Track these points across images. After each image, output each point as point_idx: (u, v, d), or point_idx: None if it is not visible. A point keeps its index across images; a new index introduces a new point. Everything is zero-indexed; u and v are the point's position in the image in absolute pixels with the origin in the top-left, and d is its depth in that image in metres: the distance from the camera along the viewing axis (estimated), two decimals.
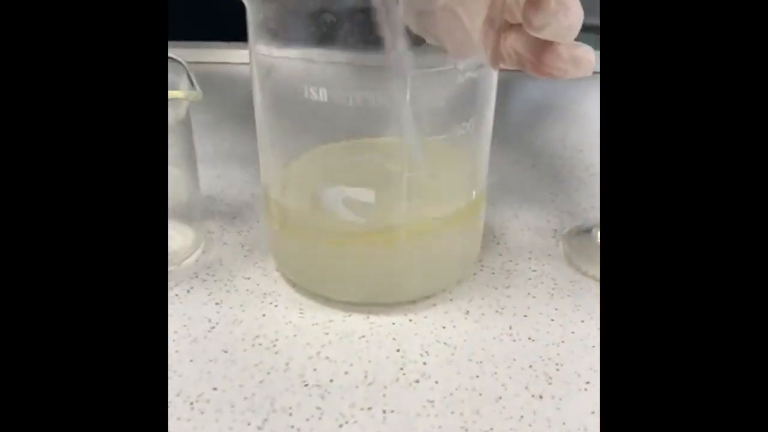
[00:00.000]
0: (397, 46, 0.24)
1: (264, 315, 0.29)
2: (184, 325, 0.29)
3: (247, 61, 0.28)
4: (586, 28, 0.25)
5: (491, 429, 0.24)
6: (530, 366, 0.27)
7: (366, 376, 0.26)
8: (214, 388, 0.26)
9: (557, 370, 0.27)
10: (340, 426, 0.24)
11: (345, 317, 0.29)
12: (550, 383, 0.26)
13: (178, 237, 0.33)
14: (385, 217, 0.27)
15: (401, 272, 0.29)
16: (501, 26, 0.27)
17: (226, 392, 0.25)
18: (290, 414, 0.24)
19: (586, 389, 0.26)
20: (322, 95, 0.25)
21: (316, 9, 0.24)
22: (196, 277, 0.32)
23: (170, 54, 0.28)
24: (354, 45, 0.24)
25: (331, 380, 0.26)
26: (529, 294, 0.31)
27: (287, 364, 0.27)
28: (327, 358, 0.27)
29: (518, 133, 0.50)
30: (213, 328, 0.29)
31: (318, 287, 0.30)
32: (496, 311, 0.30)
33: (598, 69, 0.21)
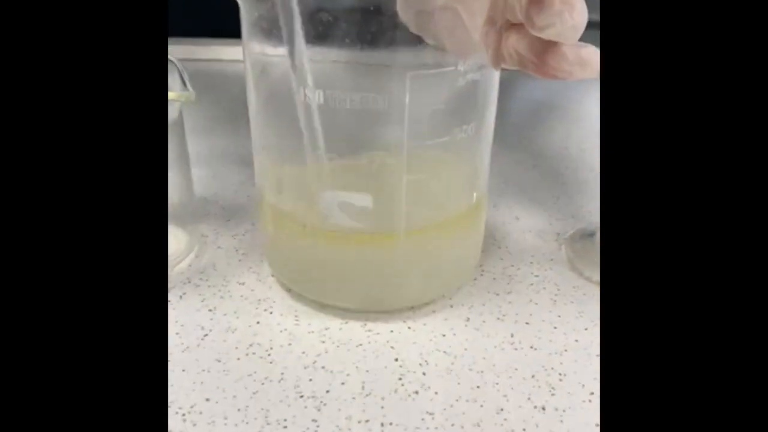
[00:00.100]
0: (296, 38, 0.23)
1: (258, 322, 0.29)
2: (177, 333, 0.28)
3: (242, 57, 0.27)
4: (587, 25, 0.24)
5: None
6: (532, 376, 0.26)
7: (363, 387, 0.25)
8: (207, 399, 0.25)
9: (560, 380, 0.26)
10: None
11: (342, 324, 0.29)
12: (553, 394, 0.25)
13: (171, 241, 0.32)
14: (383, 222, 0.27)
15: (399, 278, 0.28)
16: (502, 25, 0.26)
17: (219, 404, 0.25)
18: (285, 427, 0.24)
19: (590, 400, 0.25)
20: (318, 97, 0.24)
21: (312, 8, 0.23)
22: (189, 282, 0.31)
23: None
24: (351, 45, 0.23)
25: (328, 391, 0.25)
26: (531, 300, 0.30)
27: (282, 374, 0.26)
28: (323, 367, 0.26)
29: (519, 133, 0.49)
30: (206, 335, 0.28)
31: (314, 293, 0.29)
32: (498, 318, 0.29)
33: None
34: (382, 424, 0.24)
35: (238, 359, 0.27)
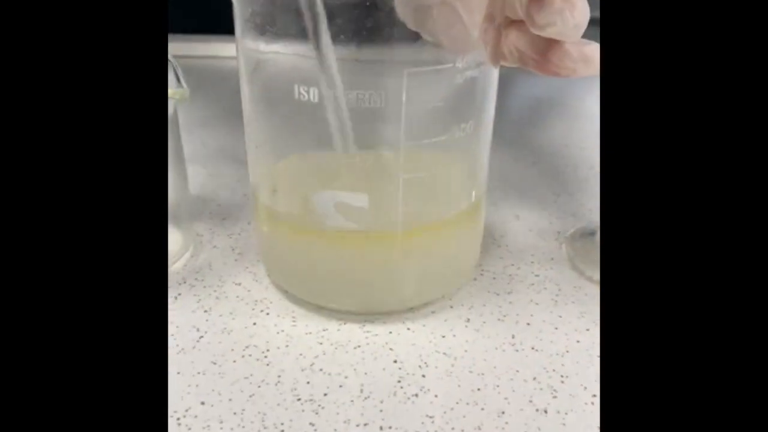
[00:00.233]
0: (322, 36, 0.22)
1: (255, 324, 0.28)
2: (172, 335, 0.28)
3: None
4: (588, 23, 0.24)
5: None
6: (534, 378, 0.26)
7: (362, 390, 0.25)
8: (202, 403, 0.24)
9: (562, 382, 0.25)
10: None
11: (339, 326, 0.28)
12: (555, 396, 0.25)
13: None
14: (380, 222, 0.26)
15: (398, 279, 0.28)
16: (501, 22, 0.25)
17: (215, 407, 0.24)
18: (282, 431, 0.23)
19: (592, 403, 0.25)
20: (313, 95, 0.23)
21: (303, 2, 0.22)
22: (185, 282, 0.31)
23: None
24: (347, 42, 0.22)
25: (325, 394, 0.25)
26: (531, 300, 0.30)
27: (279, 376, 0.26)
28: (321, 370, 0.26)
29: (519, 130, 0.48)
30: (201, 337, 0.27)
31: (310, 296, 0.29)
32: (498, 319, 0.29)
33: None
34: (381, 428, 0.23)
35: (234, 361, 0.26)
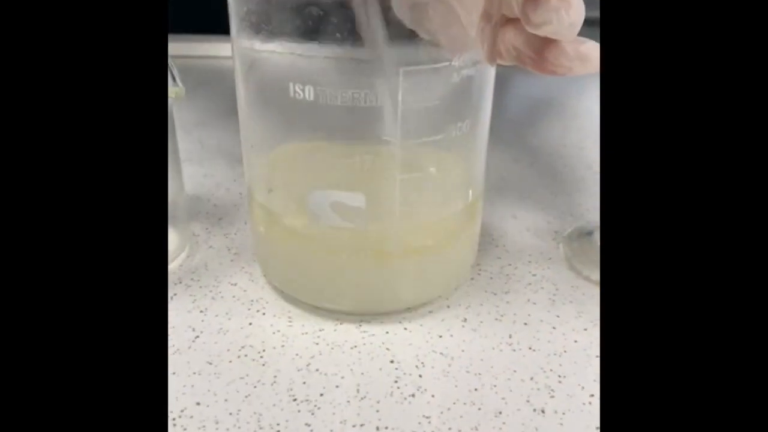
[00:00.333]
0: (379, 41, 0.22)
1: (251, 324, 0.28)
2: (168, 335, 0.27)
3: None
4: (586, 22, 0.24)
5: None
6: (531, 378, 0.26)
7: (358, 390, 0.25)
8: (198, 403, 0.24)
9: (560, 382, 0.25)
10: None
11: (336, 326, 0.28)
12: (552, 396, 0.25)
13: None
14: (377, 222, 0.26)
15: (394, 279, 0.28)
16: (498, 21, 0.25)
17: (210, 407, 0.24)
18: (278, 431, 0.23)
19: (590, 403, 0.24)
20: (309, 93, 0.23)
21: (303, 1, 0.22)
22: (180, 282, 0.31)
23: None
24: (343, 40, 0.22)
25: (322, 394, 0.25)
26: (529, 300, 0.30)
27: (275, 376, 0.25)
28: (317, 370, 0.26)
29: (516, 130, 0.48)
30: (197, 337, 0.27)
31: (307, 296, 0.29)
32: (495, 318, 0.29)
33: None
34: (377, 428, 0.23)
35: (230, 362, 0.26)
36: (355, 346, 0.27)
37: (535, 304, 0.30)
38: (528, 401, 0.25)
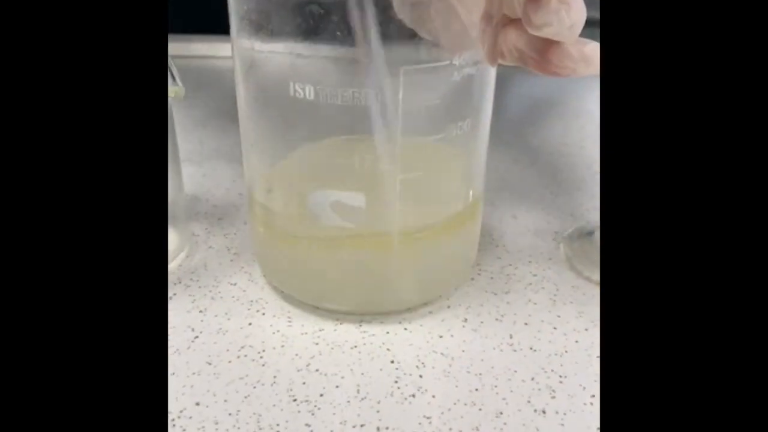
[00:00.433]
0: (371, 41, 0.22)
1: (250, 324, 0.28)
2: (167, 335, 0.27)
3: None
4: (587, 23, 0.24)
5: None
6: (532, 378, 0.25)
7: (358, 391, 0.25)
8: (197, 404, 0.24)
9: (561, 382, 0.25)
10: None
11: (336, 326, 0.28)
12: (553, 397, 0.25)
13: None
14: (377, 221, 0.26)
15: (395, 279, 0.28)
16: (499, 21, 0.25)
17: (210, 408, 0.24)
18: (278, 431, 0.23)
19: (591, 403, 0.24)
20: (309, 93, 0.23)
21: (303, 0, 0.22)
22: (180, 282, 0.30)
23: None
24: (343, 39, 0.22)
25: (321, 395, 0.25)
26: (529, 300, 0.30)
27: (275, 377, 0.25)
28: (317, 370, 0.26)
29: (517, 129, 0.48)
30: (196, 338, 0.27)
31: (306, 296, 0.29)
32: (496, 319, 0.29)
33: None
34: (377, 429, 0.23)
35: (230, 362, 0.26)
36: (355, 347, 0.27)
37: (535, 304, 0.30)
38: (529, 402, 0.24)
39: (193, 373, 0.25)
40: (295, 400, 0.24)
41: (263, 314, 0.29)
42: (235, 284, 0.30)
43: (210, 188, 0.39)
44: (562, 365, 0.26)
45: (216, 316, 0.28)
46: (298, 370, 0.26)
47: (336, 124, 0.25)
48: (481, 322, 0.28)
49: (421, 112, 0.24)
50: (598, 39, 0.23)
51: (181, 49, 0.57)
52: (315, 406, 0.24)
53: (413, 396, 0.25)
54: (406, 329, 0.28)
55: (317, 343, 0.27)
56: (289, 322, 0.28)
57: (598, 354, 0.27)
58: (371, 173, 0.25)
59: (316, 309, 0.29)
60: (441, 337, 0.27)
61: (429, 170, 0.26)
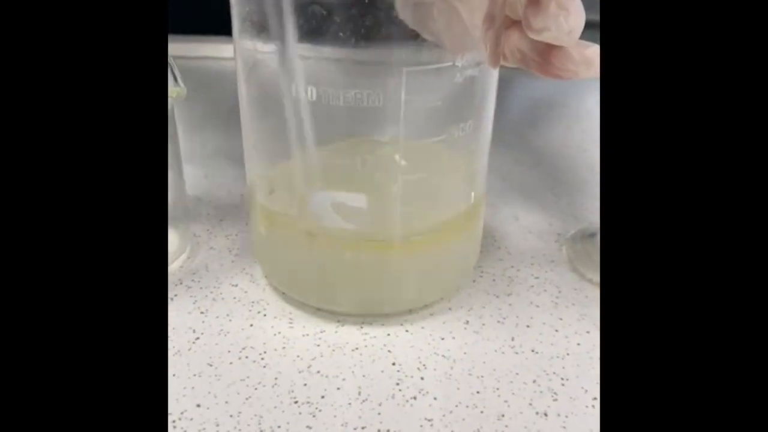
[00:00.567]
0: (287, 37, 0.22)
1: (252, 325, 0.28)
2: (168, 336, 0.27)
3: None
4: (587, 25, 0.23)
5: None
6: (534, 381, 0.25)
7: (360, 393, 0.25)
8: (198, 405, 0.24)
9: (563, 385, 0.25)
10: None
11: (337, 327, 0.28)
12: (555, 399, 0.25)
13: None
14: (378, 223, 0.26)
15: (396, 281, 0.28)
16: (502, 23, 0.25)
17: (211, 409, 0.24)
18: None
19: (593, 406, 0.24)
20: (311, 94, 0.23)
21: (305, 1, 0.22)
22: (181, 283, 0.30)
23: None
24: (345, 40, 0.22)
25: (323, 396, 0.24)
26: (531, 303, 0.30)
27: (276, 378, 0.25)
28: (318, 372, 0.26)
29: (519, 131, 0.48)
30: (198, 339, 0.27)
31: (308, 297, 0.29)
32: (498, 321, 0.29)
33: None
34: (379, 431, 0.23)
35: (231, 363, 0.26)
36: (357, 348, 0.27)
37: (537, 306, 0.30)
38: (530, 404, 0.24)
39: (194, 375, 0.25)
40: (296, 401, 0.24)
41: (264, 315, 0.29)
42: (236, 285, 0.30)
43: (211, 189, 0.39)
44: (563, 368, 0.26)
45: (217, 317, 0.28)
46: (300, 372, 0.26)
47: (338, 125, 0.25)
48: (483, 324, 0.28)
49: (423, 114, 0.24)
50: (599, 41, 0.24)
51: (183, 50, 0.57)
52: (316, 407, 0.24)
53: (414, 398, 0.24)
54: (407, 331, 0.28)
55: (318, 345, 0.27)
56: (291, 323, 0.28)
57: None
58: (373, 174, 0.25)
59: (318, 310, 0.29)
60: (442, 339, 0.27)
61: (431, 172, 0.26)
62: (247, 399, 0.24)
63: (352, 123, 0.24)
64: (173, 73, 0.28)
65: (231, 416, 0.24)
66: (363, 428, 0.23)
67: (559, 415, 0.24)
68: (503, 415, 0.24)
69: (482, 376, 0.26)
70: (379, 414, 0.24)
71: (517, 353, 0.27)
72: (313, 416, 0.24)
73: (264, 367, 0.26)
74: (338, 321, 0.28)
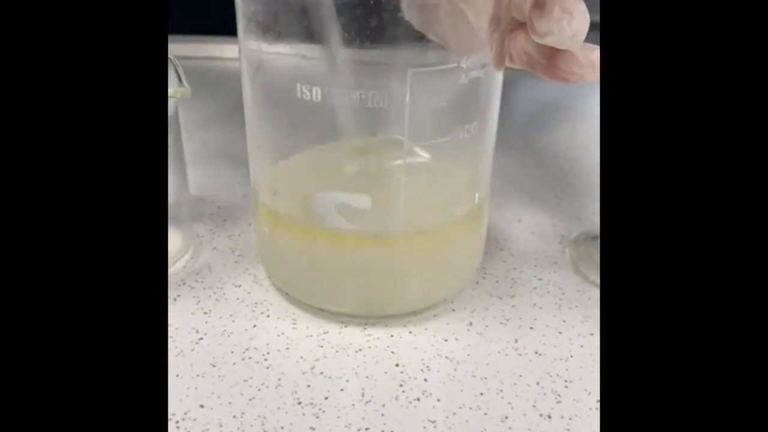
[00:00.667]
0: (332, 39, 0.22)
1: (255, 326, 0.28)
2: (171, 337, 0.27)
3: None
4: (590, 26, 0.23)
5: None
6: (537, 383, 0.25)
7: (363, 394, 0.25)
8: (201, 406, 0.24)
9: (566, 387, 0.25)
10: None
11: (341, 329, 0.28)
12: (558, 401, 0.24)
13: None
14: (382, 224, 0.26)
15: (400, 282, 0.27)
16: (507, 25, 0.25)
17: (214, 410, 0.24)
18: None
19: (596, 408, 0.24)
20: (316, 95, 0.23)
21: (311, 2, 0.22)
22: (184, 284, 0.30)
23: None
24: (350, 41, 0.22)
25: (326, 398, 0.24)
26: (535, 304, 0.30)
27: (279, 379, 0.25)
28: (321, 373, 0.26)
29: (522, 132, 0.48)
30: (201, 339, 0.27)
31: (311, 298, 0.29)
32: (501, 323, 0.28)
33: None
34: None
35: (234, 364, 0.26)
36: (360, 350, 0.27)
37: (541, 308, 0.30)
38: (534, 406, 0.24)
39: (198, 375, 0.25)
40: (299, 402, 0.24)
41: (268, 316, 0.29)
42: (239, 286, 0.30)
43: (214, 189, 0.39)
44: (567, 370, 0.26)
45: (220, 317, 0.28)
46: (303, 373, 0.25)
47: (342, 126, 0.25)
48: (486, 326, 0.28)
49: (428, 115, 0.24)
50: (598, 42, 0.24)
51: (187, 50, 0.57)
52: (320, 409, 0.24)
53: (418, 400, 0.24)
54: (410, 332, 0.28)
55: (322, 346, 0.27)
56: (294, 324, 0.28)
57: None
58: (377, 175, 0.25)
59: (321, 311, 0.29)
60: (446, 340, 0.27)
61: (435, 173, 0.26)
62: (250, 400, 0.24)
63: (356, 124, 0.24)
64: (177, 73, 0.28)
65: (234, 417, 0.24)
66: (366, 429, 0.23)
67: (562, 417, 0.24)
68: (507, 417, 0.24)
69: (486, 378, 0.25)
70: (382, 415, 0.24)
71: (520, 355, 0.27)
72: (317, 417, 0.24)
73: (267, 368, 0.26)
74: (341, 322, 0.28)
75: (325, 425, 0.23)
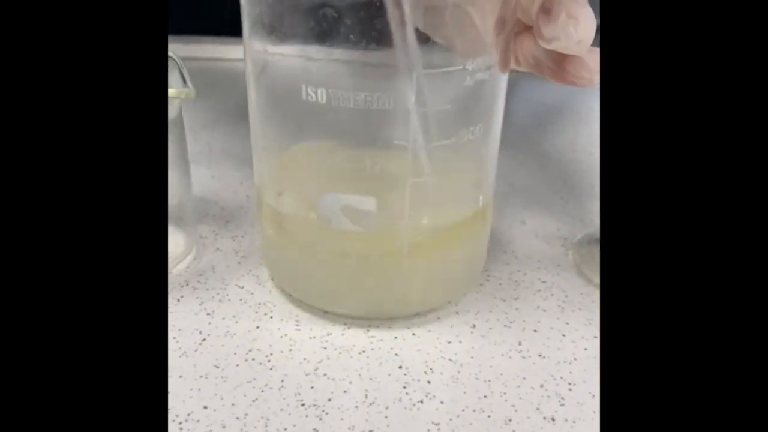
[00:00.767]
0: (406, 38, 0.22)
1: (258, 327, 0.28)
2: (174, 338, 0.27)
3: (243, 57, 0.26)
4: None
5: None
6: (541, 385, 0.25)
7: (366, 396, 0.25)
8: (205, 407, 0.24)
9: (570, 389, 0.25)
10: None
11: (344, 330, 0.28)
12: (562, 404, 0.24)
13: (169, 242, 0.31)
14: (387, 226, 0.26)
15: (404, 284, 0.27)
16: (513, 28, 0.25)
17: (217, 411, 0.24)
18: None
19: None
20: (321, 96, 0.23)
21: (316, 3, 0.22)
22: (187, 285, 0.30)
23: None
24: (356, 42, 0.22)
25: (329, 399, 0.24)
26: (538, 307, 0.30)
27: (282, 381, 0.25)
28: (325, 375, 0.25)
29: (526, 134, 0.48)
30: (204, 340, 0.27)
31: (315, 300, 0.28)
32: (505, 325, 0.28)
33: None
34: None
35: (237, 365, 0.26)
36: (364, 351, 0.27)
37: (544, 311, 0.29)
38: (538, 409, 0.24)
39: (201, 376, 0.25)
40: (303, 404, 0.24)
41: (271, 318, 0.29)
42: (242, 287, 0.30)
43: (218, 190, 0.39)
44: (571, 372, 0.26)
45: (223, 318, 0.28)
46: (306, 375, 0.25)
47: (348, 127, 0.25)
48: (490, 329, 0.28)
49: (433, 117, 0.24)
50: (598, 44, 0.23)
51: (191, 50, 0.57)
52: (323, 410, 0.24)
53: (421, 402, 0.24)
54: (414, 334, 0.28)
55: (325, 348, 0.27)
56: (297, 326, 0.28)
57: None
58: (382, 177, 0.25)
59: (325, 313, 0.29)
60: (449, 342, 0.27)
61: (440, 175, 0.26)
62: (253, 401, 0.24)
63: (361, 125, 0.24)
64: (182, 74, 0.28)
65: (237, 418, 0.24)
66: (370, 431, 0.23)
67: (566, 420, 0.24)
68: (510, 420, 0.24)
69: (489, 381, 0.25)
70: (385, 417, 0.24)
71: (524, 358, 0.27)
72: (320, 419, 0.24)
73: (270, 369, 0.26)
74: (345, 324, 0.28)
75: (328, 427, 0.23)
